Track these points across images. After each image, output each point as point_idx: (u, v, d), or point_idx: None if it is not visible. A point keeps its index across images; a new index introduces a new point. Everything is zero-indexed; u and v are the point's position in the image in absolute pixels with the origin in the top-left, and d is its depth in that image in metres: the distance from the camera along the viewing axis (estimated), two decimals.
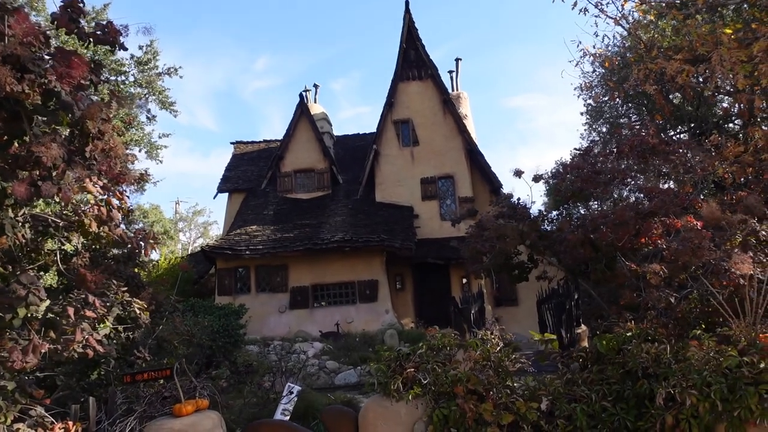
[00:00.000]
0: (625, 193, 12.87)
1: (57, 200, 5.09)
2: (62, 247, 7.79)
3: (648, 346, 5.72)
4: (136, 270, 8.68)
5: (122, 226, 6.95)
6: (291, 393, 6.54)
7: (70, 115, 5.08)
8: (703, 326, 6.68)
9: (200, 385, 6.54)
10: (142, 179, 9.06)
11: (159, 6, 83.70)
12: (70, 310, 5.40)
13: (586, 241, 9.60)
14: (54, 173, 4.82)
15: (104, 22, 5.91)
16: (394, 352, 6.16)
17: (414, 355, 6.03)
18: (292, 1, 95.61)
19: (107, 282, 6.75)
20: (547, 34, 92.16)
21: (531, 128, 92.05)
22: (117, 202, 6.00)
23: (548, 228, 11.91)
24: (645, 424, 5.34)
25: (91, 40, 5.83)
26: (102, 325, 6.31)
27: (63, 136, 5.20)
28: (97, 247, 8.19)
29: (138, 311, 6.65)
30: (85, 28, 5.74)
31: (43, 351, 4.98)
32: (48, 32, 5.42)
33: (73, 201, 6.05)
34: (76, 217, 5.81)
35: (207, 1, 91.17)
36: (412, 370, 5.82)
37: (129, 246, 6.69)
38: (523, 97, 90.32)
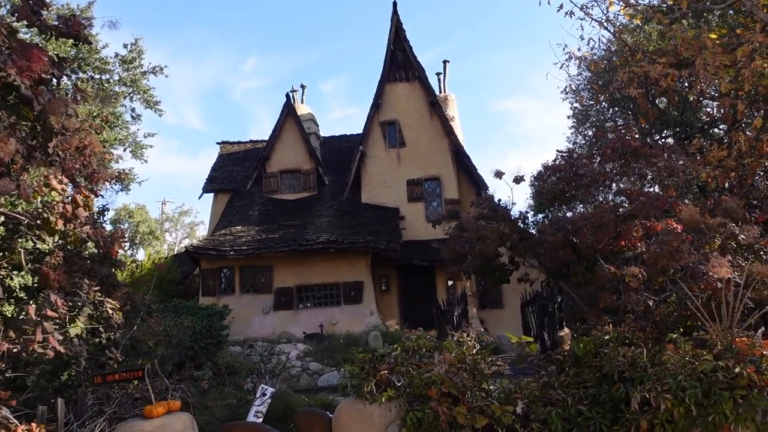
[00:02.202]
0: (610, 197, 12.87)
1: (15, 198, 4.97)
2: (36, 247, 7.66)
3: (625, 350, 5.68)
4: (112, 269, 8.54)
5: (92, 224, 6.82)
6: (264, 395, 6.44)
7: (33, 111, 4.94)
8: (681, 330, 6.65)
9: (173, 386, 6.43)
10: (121, 178, 8.95)
11: (148, 5, 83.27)
12: (31, 309, 5.28)
13: (566, 244, 9.57)
14: (12, 169, 4.69)
15: (68, 15, 5.74)
16: (368, 354, 6.08)
17: (389, 357, 5.95)
18: (282, 2, 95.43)
19: (79, 281, 6.62)
20: (536, 38, 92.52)
21: (520, 131, 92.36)
22: (83, 199, 5.86)
23: (532, 230, 11.86)
24: (620, 429, 5.30)
25: (53, 33, 5.66)
26: (72, 325, 6.18)
27: (23, 132, 5.06)
28: (72, 247, 8.06)
29: (111, 311, 6.53)
30: (47, 20, 5.57)
31: (1, 351, 4.85)
32: (13, 24, 5.28)
33: (47, 199, 5.93)
34: (45, 215, 5.68)
35: (196, 1, 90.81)
36: (386, 372, 5.74)
37: (96, 244, 6.56)
38: (513, 100, 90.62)
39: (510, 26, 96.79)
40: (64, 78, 6.04)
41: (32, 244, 6.98)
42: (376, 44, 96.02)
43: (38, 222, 5.75)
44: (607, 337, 6.14)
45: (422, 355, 6.21)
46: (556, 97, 71.00)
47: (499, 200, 11.89)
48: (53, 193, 5.35)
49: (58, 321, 6.02)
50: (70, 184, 6.05)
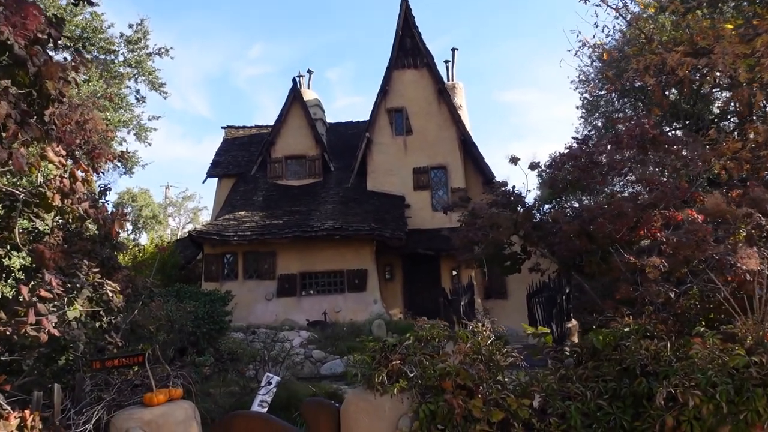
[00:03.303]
0: (622, 185, 12.59)
1: (9, 167, 4.68)
2: (35, 226, 7.42)
3: (647, 343, 5.41)
4: (113, 251, 8.30)
5: (92, 201, 6.56)
6: (269, 384, 6.21)
7: (29, 75, 4.63)
8: (703, 323, 6.38)
9: (174, 373, 6.19)
10: (123, 158, 8.67)
11: None
12: (23, 290, 5.02)
13: (582, 233, 9.28)
14: (4, 135, 4.41)
15: None
16: (379, 343, 5.82)
17: (400, 347, 5.68)
18: None
19: (79, 262, 6.37)
20: (540, 30, 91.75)
21: (524, 123, 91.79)
22: (82, 174, 5.58)
23: (542, 219, 11.56)
24: (642, 425, 5.05)
25: None
26: (71, 308, 5.94)
27: (16, 95, 4.75)
28: (73, 226, 7.82)
29: (111, 294, 6.28)
30: None
31: None
32: None
33: (45, 175, 5.65)
34: (43, 190, 5.39)
35: None
36: (398, 362, 5.47)
37: (96, 223, 6.29)
38: (518, 91, 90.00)
39: (514, 17, 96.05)
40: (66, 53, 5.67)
41: (29, 223, 6.73)
42: (383, 33, 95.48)
43: (36, 199, 5.48)
44: (627, 329, 5.87)
45: (435, 345, 5.95)
46: (562, 89, 70.51)
47: (513, 187, 11.60)
48: (50, 166, 5.05)
49: (55, 303, 5.77)
50: (69, 159, 5.77)
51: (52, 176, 5.14)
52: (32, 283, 6.03)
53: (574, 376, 5.63)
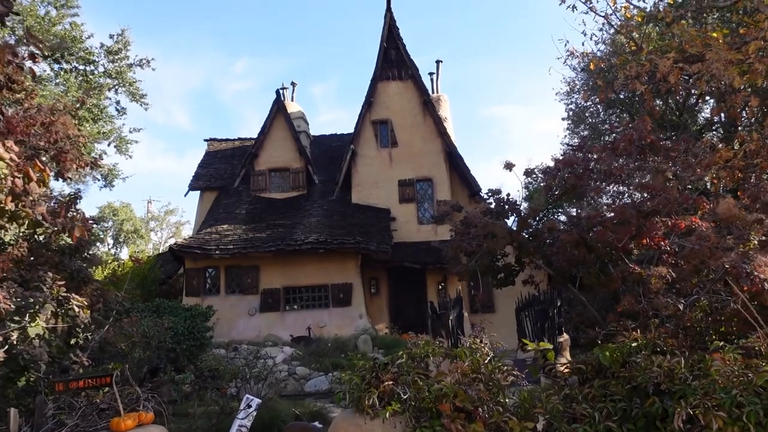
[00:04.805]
0: (612, 194, 12.32)
1: None
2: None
3: (659, 359, 4.99)
4: (84, 264, 7.80)
5: (62, 207, 6.07)
6: (249, 407, 5.71)
7: None
8: (714, 336, 6.00)
9: (145, 395, 5.68)
10: (97, 164, 8.17)
11: (137, 4, 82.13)
12: None
13: (581, 242, 8.90)
14: None
15: None
16: (369, 362, 5.35)
17: (392, 366, 5.22)
18: (273, 4, 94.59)
19: (43, 275, 5.87)
20: (525, 45, 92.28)
21: (507, 138, 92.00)
22: (37, 174, 5.05)
23: (537, 228, 11.18)
24: None
25: None
26: (32, 324, 5.43)
27: None
28: (41, 237, 7.33)
29: (77, 308, 5.77)
30: None
31: None
32: None
33: None
34: None
35: (186, 2, 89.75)
36: (390, 382, 5.00)
37: (55, 229, 5.78)
38: (500, 107, 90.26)
39: (495, 34, 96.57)
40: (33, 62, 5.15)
41: None
42: (368, 47, 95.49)
43: None
44: (634, 344, 5.46)
45: (427, 363, 5.50)
46: (544, 104, 70.87)
47: (508, 195, 11.22)
48: (0, 164, 4.56)
49: (13, 318, 5.27)
50: (28, 159, 5.27)
51: (2, 175, 4.65)
52: None
53: (580, 396, 5.19)
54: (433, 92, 26.30)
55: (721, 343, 5.29)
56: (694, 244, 6.59)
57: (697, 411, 4.33)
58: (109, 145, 26.01)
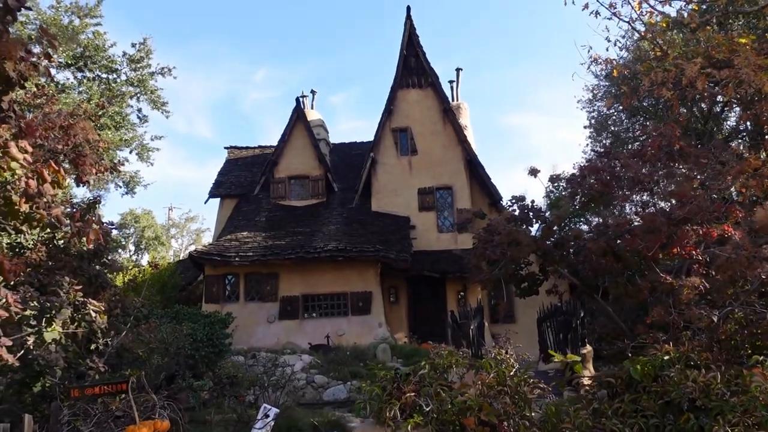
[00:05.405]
0: (637, 201, 12.09)
1: None
2: (19, 241, 6.88)
3: (694, 374, 4.78)
4: (103, 269, 7.74)
5: (82, 211, 6.00)
6: (267, 416, 5.57)
7: None
8: (749, 350, 5.76)
9: (161, 403, 5.57)
10: (116, 169, 8.10)
11: (159, 15, 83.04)
12: None
13: (608, 250, 8.65)
14: None
15: None
16: (390, 372, 5.19)
17: (414, 376, 5.05)
18: (293, 14, 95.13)
19: (60, 279, 5.80)
20: (546, 54, 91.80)
21: (527, 147, 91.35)
22: (51, 175, 4.94)
23: (562, 236, 10.92)
24: None
25: None
26: (50, 329, 5.35)
27: None
28: (60, 242, 7.28)
29: (94, 314, 5.68)
30: None
31: None
32: None
33: (7, 176, 4.99)
34: (8, 194, 4.77)
35: (207, 12, 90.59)
36: (412, 394, 4.83)
37: (72, 231, 5.68)
38: (521, 116, 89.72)
39: (515, 43, 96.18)
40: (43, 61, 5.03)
41: (10, 237, 6.17)
42: (388, 56, 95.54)
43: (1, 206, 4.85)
44: (667, 357, 5.25)
45: (449, 374, 5.32)
46: (565, 113, 70.34)
47: (532, 201, 10.96)
48: (13, 164, 4.45)
49: (32, 324, 5.19)
50: (45, 161, 5.21)
51: (17, 176, 4.56)
52: None
53: (610, 411, 4.99)
54: (453, 100, 26.16)
55: (760, 357, 5.06)
56: (729, 254, 6.36)
57: (736, 429, 4.13)
58: (130, 152, 26.21)
